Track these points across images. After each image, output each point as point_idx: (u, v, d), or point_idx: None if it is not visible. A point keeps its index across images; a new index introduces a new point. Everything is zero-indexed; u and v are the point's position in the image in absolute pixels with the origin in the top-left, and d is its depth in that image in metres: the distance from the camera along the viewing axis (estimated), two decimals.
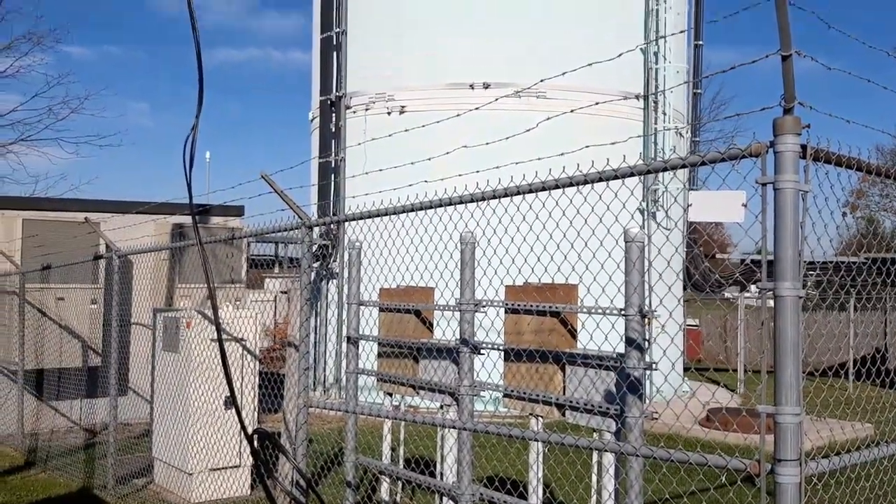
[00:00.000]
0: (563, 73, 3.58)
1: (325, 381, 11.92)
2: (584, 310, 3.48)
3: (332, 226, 11.00)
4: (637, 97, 11.32)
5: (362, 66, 11.83)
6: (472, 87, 11.02)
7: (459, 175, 4.13)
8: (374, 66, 11.72)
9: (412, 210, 3.73)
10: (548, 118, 3.73)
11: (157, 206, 8.85)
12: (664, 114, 11.39)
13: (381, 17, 11.72)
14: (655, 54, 11.29)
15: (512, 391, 3.78)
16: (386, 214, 3.91)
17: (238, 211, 10.34)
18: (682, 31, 11.19)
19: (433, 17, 11.38)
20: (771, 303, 2.30)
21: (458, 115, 4.51)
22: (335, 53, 11.97)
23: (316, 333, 11.91)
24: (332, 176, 11.79)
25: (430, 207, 3.63)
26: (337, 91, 11.91)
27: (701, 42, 12.68)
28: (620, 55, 3.61)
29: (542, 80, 3.68)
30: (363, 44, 11.86)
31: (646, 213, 11.43)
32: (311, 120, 13.12)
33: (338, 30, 11.92)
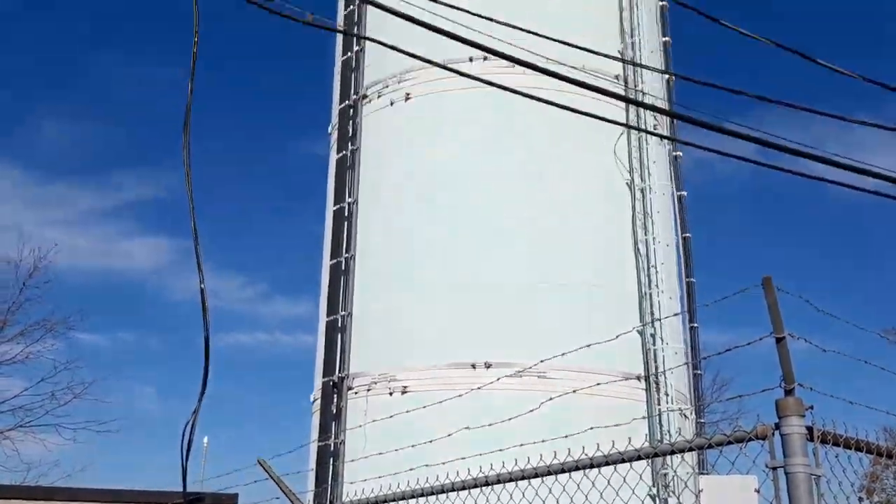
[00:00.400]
0: (563, 354, 3.65)
1: None
2: None
3: None
4: (638, 378, 11.39)
5: (366, 347, 12.06)
6: (473, 366, 11.15)
7: (462, 458, 4.03)
8: (377, 348, 11.94)
9: (412, 497, 3.59)
10: (550, 399, 3.73)
11: (146, 494, 8.53)
12: (666, 394, 11.39)
13: (384, 304, 12.16)
14: (652, 335, 11.56)
15: None
16: (385, 502, 3.77)
17: (231, 500, 9.92)
18: (675, 315, 11.56)
19: (434, 304, 11.80)
20: None
21: (459, 396, 4.51)
22: (339, 336, 12.27)
23: None
24: (332, 459, 11.51)
25: (432, 494, 3.50)
26: (340, 372, 12.03)
27: (696, 324, 13.06)
28: (617, 336, 3.71)
29: (542, 361, 3.75)
30: (367, 328, 12.20)
31: (657, 499, 10.97)
32: (313, 402, 13.09)
33: (343, 313, 12.33)
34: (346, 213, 12.75)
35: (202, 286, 4.36)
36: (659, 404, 11.27)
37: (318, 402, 12.36)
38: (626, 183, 12.32)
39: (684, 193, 13.14)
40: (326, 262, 13.05)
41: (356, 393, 11.80)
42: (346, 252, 12.54)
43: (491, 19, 5.91)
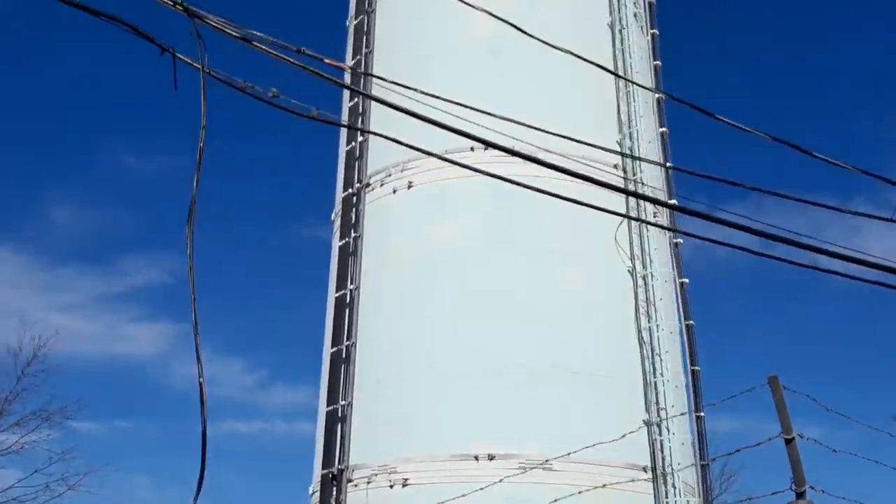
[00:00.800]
0: (569, 454, 3.57)
1: None
2: None
3: None
4: (644, 469, 11.13)
5: (366, 438, 11.83)
6: (476, 458, 10.91)
7: None
8: (378, 439, 11.71)
9: None
10: (555, 501, 3.63)
11: None
12: (674, 486, 11.11)
13: (386, 393, 11.99)
14: (659, 426, 11.35)
15: None
16: None
17: None
18: (682, 414, 11.38)
19: (436, 392, 11.62)
20: None
21: (463, 496, 4.40)
22: (339, 426, 12.06)
23: None
24: None
25: None
26: (339, 464, 11.75)
27: (702, 413, 12.81)
28: (624, 436, 3.64)
29: (546, 461, 3.66)
30: (368, 418, 12.00)
31: None
32: (311, 494, 12.78)
33: (343, 402, 12.16)
34: (348, 301, 12.74)
35: (201, 380, 4.31)
36: (667, 497, 10.98)
37: (317, 494, 12.07)
38: (628, 270, 12.34)
39: (686, 280, 13.13)
40: (327, 350, 12.95)
41: (356, 485, 11.52)
42: (348, 340, 12.46)
43: (491, 114, 6.04)
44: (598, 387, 11.52)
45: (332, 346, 12.68)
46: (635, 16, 14.14)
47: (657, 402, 11.42)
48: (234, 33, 4.71)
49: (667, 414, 11.19)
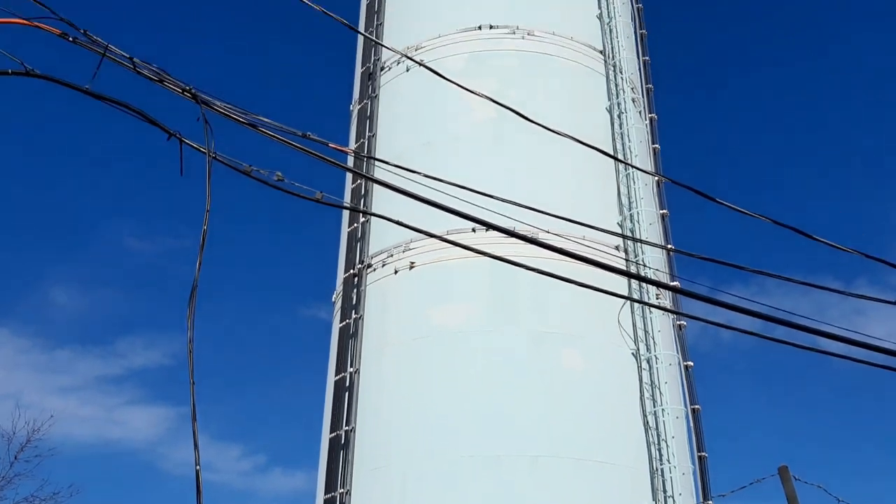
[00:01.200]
0: None
1: None
2: None
3: None
4: None
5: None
6: None
7: None
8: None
9: None
10: None
11: None
12: None
13: (385, 481, 11.70)
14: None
15: None
16: None
17: None
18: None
19: (436, 480, 11.34)
20: None
21: None
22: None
23: None
24: None
25: None
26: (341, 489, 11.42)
27: (711, 501, 12.48)
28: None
29: None
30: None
31: None
32: None
33: (342, 490, 11.86)
34: (347, 384, 12.58)
35: (197, 468, 4.22)
36: None
37: None
38: (632, 352, 12.23)
39: (691, 364, 13.00)
40: (326, 436, 12.71)
41: None
42: (347, 425, 12.25)
43: (492, 196, 6.09)
44: (603, 474, 11.26)
45: (331, 432, 12.45)
46: (633, 101, 14.44)
47: (664, 490, 11.14)
48: (241, 119, 4.79)
49: (675, 503, 10.91)
